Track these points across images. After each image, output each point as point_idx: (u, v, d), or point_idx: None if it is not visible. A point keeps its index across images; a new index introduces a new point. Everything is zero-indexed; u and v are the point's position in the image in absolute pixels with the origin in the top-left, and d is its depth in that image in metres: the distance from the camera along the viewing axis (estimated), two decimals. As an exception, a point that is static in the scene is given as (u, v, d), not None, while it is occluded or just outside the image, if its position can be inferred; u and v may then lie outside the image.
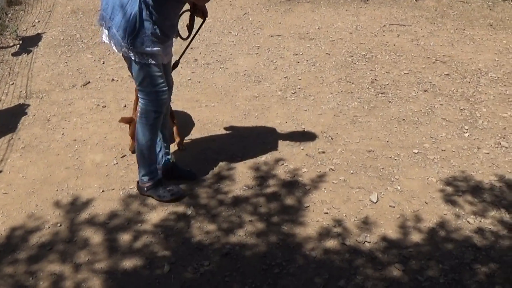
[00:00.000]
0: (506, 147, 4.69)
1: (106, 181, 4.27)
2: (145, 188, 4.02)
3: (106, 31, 3.56)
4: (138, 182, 4.09)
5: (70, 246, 3.61)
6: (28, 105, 5.52)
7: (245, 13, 8.38)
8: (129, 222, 3.82)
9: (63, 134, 4.96)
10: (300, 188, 4.16)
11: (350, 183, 4.21)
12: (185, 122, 5.09)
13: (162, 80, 3.64)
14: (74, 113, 5.33)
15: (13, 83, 6.08)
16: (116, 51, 3.55)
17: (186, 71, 6.22)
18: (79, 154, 4.64)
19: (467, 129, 4.97)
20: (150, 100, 3.65)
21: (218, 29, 7.71)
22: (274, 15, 8.26)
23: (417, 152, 4.61)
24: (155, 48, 3.48)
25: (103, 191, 4.17)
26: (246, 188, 4.17)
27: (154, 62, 3.53)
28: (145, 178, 4.00)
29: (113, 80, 5.98)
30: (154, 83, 3.59)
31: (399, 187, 4.16)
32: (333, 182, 4.22)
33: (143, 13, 3.36)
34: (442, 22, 7.87)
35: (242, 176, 4.32)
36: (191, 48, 6.91)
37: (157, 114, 3.70)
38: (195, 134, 4.91)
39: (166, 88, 3.68)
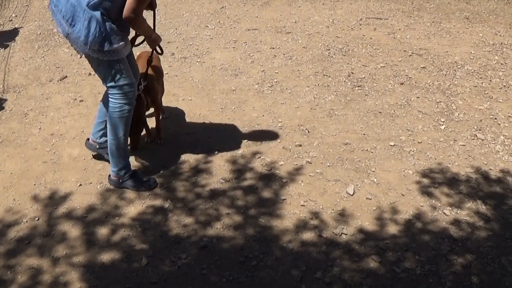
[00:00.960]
0: (482, 139, 4.76)
1: (84, 175, 4.27)
2: (121, 181, 4.07)
3: (64, 33, 3.60)
4: (110, 175, 4.13)
5: (48, 240, 3.60)
6: (5, 100, 5.47)
7: (222, 7, 8.37)
8: (107, 215, 3.83)
9: (40, 128, 4.93)
10: (277, 181, 4.19)
11: (327, 176, 4.25)
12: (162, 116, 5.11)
13: (130, 73, 3.73)
14: (51, 108, 5.31)
15: (-11, 78, 6.03)
16: (78, 53, 3.63)
17: (163, 65, 6.18)
18: (57, 148, 4.63)
19: (443, 122, 5.03)
20: (123, 93, 3.71)
21: (195, 23, 7.70)
22: (251, 9, 8.26)
23: (394, 145, 4.66)
24: (120, 43, 3.54)
25: (80, 185, 4.16)
26: (223, 181, 4.19)
27: (121, 56, 3.60)
28: (122, 172, 4.04)
29: (90, 74, 5.95)
30: (125, 76, 3.67)
31: (375, 180, 4.20)
32: (309, 175, 4.25)
33: (104, 16, 3.43)
34: (419, 15, 7.94)
35: (219, 169, 4.34)
36: (168, 42, 6.91)
37: (130, 106, 3.80)
38: (172, 128, 4.91)
39: (134, 81, 3.78)
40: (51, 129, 4.90)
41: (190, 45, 6.86)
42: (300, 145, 4.64)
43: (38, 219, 3.79)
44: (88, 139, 4.38)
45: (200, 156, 4.49)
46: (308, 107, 5.29)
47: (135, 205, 3.92)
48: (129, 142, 4.23)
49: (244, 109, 5.25)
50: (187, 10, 8.16)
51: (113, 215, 3.83)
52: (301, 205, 3.91)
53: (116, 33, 3.49)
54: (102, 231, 3.67)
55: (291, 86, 5.73)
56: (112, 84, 3.68)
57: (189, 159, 4.45)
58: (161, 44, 4.09)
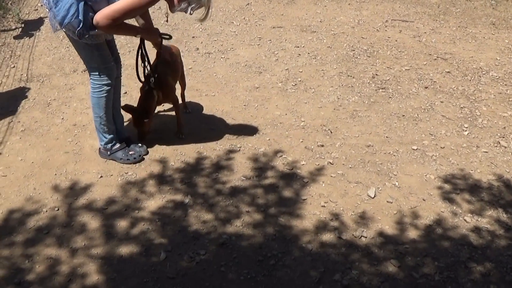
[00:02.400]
0: (505, 147, 4.70)
1: (105, 167, 4.28)
2: (109, 153, 4.31)
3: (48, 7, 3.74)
4: (100, 148, 4.37)
5: (67, 230, 3.61)
6: (29, 89, 5.51)
7: (248, 3, 8.36)
8: (127, 208, 3.83)
9: (63, 118, 4.96)
10: (298, 181, 4.16)
11: (348, 178, 4.21)
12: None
13: (109, 56, 3.95)
14: (75, 98, 5.33)
15: (14, 66, 6.06)
16: (53, 31, 3.83)
17: (188, 60, 6.21)
18: (79, 139, 4.64)
19: (466, 127, 4.98)
20: (101, 75, 3.95)
21: (220, 19, 7.69)
22: (277, 7, 8.25)
23: (416, 149, 4.62)
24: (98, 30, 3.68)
25: (101, 176, 4.17)
26: (244, 178, 4.17)
27: (100, 41, 3.80)
28: (108, 146, 4.30)
29: (114, 66, 5.95)
30: (103, 60, 3.89)
31: (397, 183, 4.16)
32: (331, 176, 4.22)
33: (87, 6, 3.56)
34: (445, 19, 7.87)
35: (240, 166, 4.32)
36: (193, 37, 6.91)
37: (109, 86, 4.03)
38: (194, 123, 4.91)
39: (113, 63, 4.00)
40: (74, 120, 4.92)
41: (215, 40, 6.85)
42: (322, 146, 4.61)
43: (58, 209, 3.80)
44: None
45: (221, 152, 4.48)
46: (331, 107, 5.26)
47: (155, 199, 3.92)
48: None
49: (267, 107, 5.23)
50: (213, 6, 8.15)
51: (133, 208, 3.83)
52: (322, 206, 3.89)
53: None
54: (122, 224, 3.67)
55: (315, 85, 5.71)
56: (90, 66, 3.92)
57: (210, 155, 4.45)
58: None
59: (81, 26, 3.58)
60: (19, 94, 5.40)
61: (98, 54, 3.85)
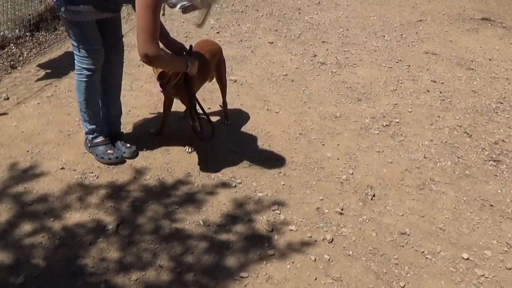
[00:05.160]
0: None
1: (76, 159, 3.78)
2: (89, 145, 3.80)
3: None
4: (85, 137, 3.86)
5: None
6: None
7: (420, 20, 7.18)
8: (47, 212, 3.23)
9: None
10: (259, 249, 3.13)
11: (330, 270, 3.09)
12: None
13: (94, 38, 3.42)
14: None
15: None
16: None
17: (293, 65, 5.32)
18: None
19: None
20: (82, 57, 3.45)
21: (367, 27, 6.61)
22: (451, 31, 6.95)
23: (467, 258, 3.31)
24: (82, 6, 3.22)
25: (62, 168, 3.66)
26: (202, 223, 3.26)
27: (84, 19, 3.28)
28: (89, 137, 3.77)
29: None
30: (84, 40, 3.40)
31: None
32: (310, 258, 3.14)
33: None
34: None
35: (214, 207, 3.40)
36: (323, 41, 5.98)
37: (90, 71, 3.50)
38: (220, 138, 4.09)
39: (98, 47, 3.45)
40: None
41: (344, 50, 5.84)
42: (342, 213, 3.49)
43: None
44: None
45: (212, 183, 3.64)
46: (404, 166, 4.06)
47: (85, 213, 3.28)
48: None
49: (324, 144, 4.21)
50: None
51: (54, 214, 3.23)
52: (257, 292, 2.86)
53: None
54: (25, 228, 3.09)
55: (410, 133, 4.50)
56: (73, 43, 3.45)
57: (197, 182, 3.64)
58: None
59: None
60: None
61: (78, 33, 3.36)
